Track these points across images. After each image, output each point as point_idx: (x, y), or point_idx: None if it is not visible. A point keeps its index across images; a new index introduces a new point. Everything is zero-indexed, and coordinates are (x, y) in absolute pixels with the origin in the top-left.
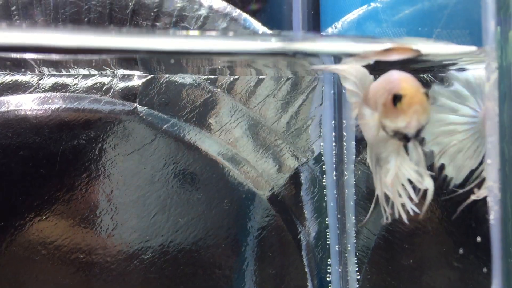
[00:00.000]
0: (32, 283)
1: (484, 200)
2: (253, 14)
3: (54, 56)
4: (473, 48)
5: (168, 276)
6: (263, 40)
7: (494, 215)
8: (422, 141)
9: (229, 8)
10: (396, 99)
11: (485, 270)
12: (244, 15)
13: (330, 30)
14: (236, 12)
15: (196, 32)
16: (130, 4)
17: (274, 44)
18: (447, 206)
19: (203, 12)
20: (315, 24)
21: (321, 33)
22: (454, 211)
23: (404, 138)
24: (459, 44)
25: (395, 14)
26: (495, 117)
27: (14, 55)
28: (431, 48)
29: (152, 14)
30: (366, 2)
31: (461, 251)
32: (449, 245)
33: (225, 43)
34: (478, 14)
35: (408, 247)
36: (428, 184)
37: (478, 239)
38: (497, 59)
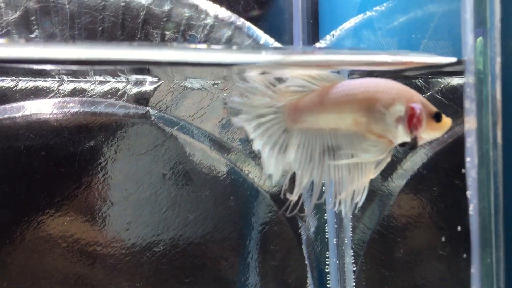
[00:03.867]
0: (53, 273)
1: (464, 194)
2: (256, 22)
3: (73, 67)
4: (453, 59)
5: (178, 267)
6: (266, 53)
7: (473, 207)
8: None
9: (233, 17)
10: (437, 117)
11: (464, 256)
12: (248, 24)
13: (328, 37)
14: (240, 21)
15: (204, 45)
16: (141, 14)
17: (274, 56)
18: (437, 202)
19: (209, 21)
20: (314, 31)
21: (319, 41)
22: (442, 206)
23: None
24: (442, 55)
25: (389, 22)
26: (474, 120)
27: (36, 66)
28: (413, 59)
29: (161, 23)
30: (362, 11)
31: (443, 239)
32: (438, 238)
33: (230, 56)
34: (459, 27)
35: (400, 240)
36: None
37: (459, 228)
38: (475, 69)
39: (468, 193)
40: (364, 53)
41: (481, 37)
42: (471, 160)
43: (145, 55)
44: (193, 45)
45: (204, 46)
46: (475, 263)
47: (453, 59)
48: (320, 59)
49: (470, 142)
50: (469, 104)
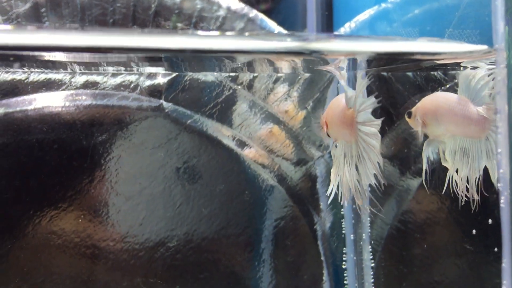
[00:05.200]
0: (66, 268)
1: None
2: (269, 14)
3: (85, 55)
4: (484, 47)
5: (192, 262)
6: (281, 40)
7: (504, 200)
8: None
9: (246, 9)
10: None
11: (496, 249)
12: (261, 15)
13: (342, 30)
14: (253, 13)
15: (216, 33)
16: (152, 5)
17: (291, 43)
18: (455, 197)
19: (221, 13)
20: (328, 24)
21: (335, 33)
22: (464, 201)
23: None
24: (470, 43)
25: (405, 14)
26: (505, 111)
27: (47, 55)
28: (443, 46)
29: (173, 15)
30: (377, 3)
31: (474, 232)
32: (460, 233)
33: (244, 43)
34: (488, 15)
35: (419, 236)
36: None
37: (490, 221)
38: (506, 58)
39: (499, 185)
40: (390, 40)
41: (507, 27)
42: (502, 152)
43: (157, 42)
44: (205, 32)
45: (216, 33)
46: (506, 257)
47: (483, 47)
48: (344, 48)
49: (502, 133)
50: (499, 96)
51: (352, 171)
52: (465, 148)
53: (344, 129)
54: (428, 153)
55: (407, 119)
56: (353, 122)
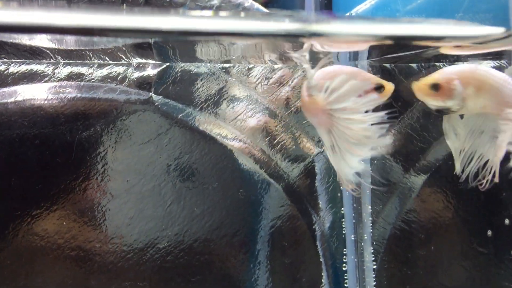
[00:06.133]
0: (49, 272)
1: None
2: (265, 4)
3: (69, 38)
4: (501, 29)
5: (183, 264)
6: (278, 21)
7: None
8: None
9: None
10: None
11: None
12: (256, 5)
13: None
14: (248, 2)
15: (209, 13)
16: None
17: (289, 25)
18: (463, 195)
19: (215, 2)
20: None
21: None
22: (470, 200)
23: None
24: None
25: (408, 3)
26: None
27: (28, 38)
28: (455, 29)
29: (164, 3)
30: None
31: (489, 233)
32: (467, 233)
33: (239, 23)
34: None
35: (424, 236)
36: None
37: (507, 221)
38: None
39: None
40: (398, 22)
41: None
42: None
43: (148, 22)
44: (198, 12)
45: (210, 13)
46: None
47: (500, 30)
48: (353, 31)
49: None
50: None
51: (334, 160)
52: (493, 129)
53: (311, 118)
54: (451, 128)
55: (431, 93)
56: (316, 110)
